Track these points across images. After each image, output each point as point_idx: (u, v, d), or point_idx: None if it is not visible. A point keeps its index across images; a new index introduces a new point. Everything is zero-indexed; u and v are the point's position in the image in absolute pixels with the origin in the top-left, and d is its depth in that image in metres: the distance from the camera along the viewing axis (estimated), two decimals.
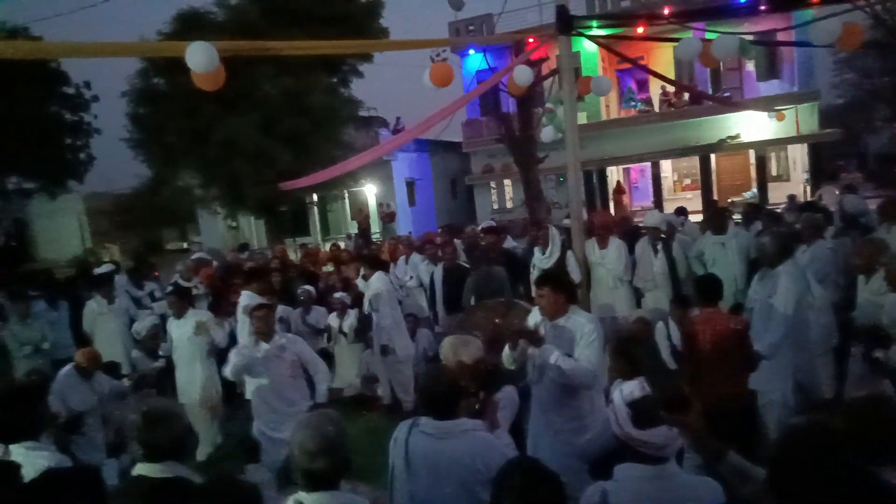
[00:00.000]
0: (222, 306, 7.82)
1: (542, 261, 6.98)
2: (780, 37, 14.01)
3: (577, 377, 3.51)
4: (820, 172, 20.61)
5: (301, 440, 2.15)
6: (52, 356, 6.94)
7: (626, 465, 2.18)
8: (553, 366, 3.49)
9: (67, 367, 5.46)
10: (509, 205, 24.37)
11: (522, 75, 6.85)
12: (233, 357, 4.80)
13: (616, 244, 6.91)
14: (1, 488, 2.40)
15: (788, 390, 4.41)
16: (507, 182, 24.47)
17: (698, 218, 11.49)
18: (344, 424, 2.26)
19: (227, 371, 4.88)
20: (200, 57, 3.97)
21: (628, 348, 2.94)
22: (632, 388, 2.19)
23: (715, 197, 20.01)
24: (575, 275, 6.89)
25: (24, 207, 23.80)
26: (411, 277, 7.95)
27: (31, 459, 2.79)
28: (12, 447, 2.93)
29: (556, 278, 3.93)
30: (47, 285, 8.69)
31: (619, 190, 22.41)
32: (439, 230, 13.61)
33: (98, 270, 7.90)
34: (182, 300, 6.22)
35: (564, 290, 3.78)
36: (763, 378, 4.33)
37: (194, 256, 9.38)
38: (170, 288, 7.60)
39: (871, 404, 2.16)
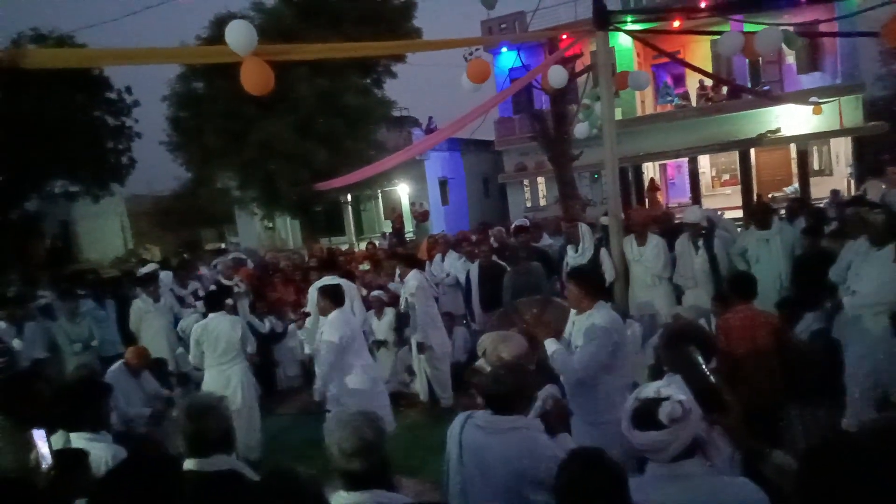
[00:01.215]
0: (262, 303, 8.01)
1: (574, 258, 6.94)
2: (824, 27, 13.66)
3: (565, 373, 3.69)
4: (864, 167, 20.02)
5: (339, 440, 2.15)
6: (99, 353, 7.17)
7: (651, 464, 2.14)
8: (551, 357, 3.67)
9: (117, 365, 5.66)
10: (542, 203, 24.24)
11: (557, 76, 6.84)
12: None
13: (655, 241, 6.82)
14: (73, 473, 2.50)
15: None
16: (540, 180, 24.33)
17: (737, 214, 11.29)
18: (382, 426, 2.27)
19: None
20: (239, 35, 4.04)
21: (678, 343, 2.88)
22: (650, 388, 2.12)
23: (755, 192, 19.60)
24: (609, 273, 6.85)
25: (68, 210, 24.52)
26: (447, 275, 7.98)
27: (90, 449, 2.89)
28: (73, 436, 3.03)
29: (580, 274, 4.04)
30: (94, 284, 8.95)
31: (652, 187, 22.10)
32: (476, 227, 13.62)
33: (143, 270, 8.11)
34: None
35: (588, 285, 3.86)
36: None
37: (231, 256, 9.59)
38: (212, 287, 7.79)
39: None
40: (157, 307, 7.30)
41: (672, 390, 2.08)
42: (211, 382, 5.70)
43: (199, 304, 7.79)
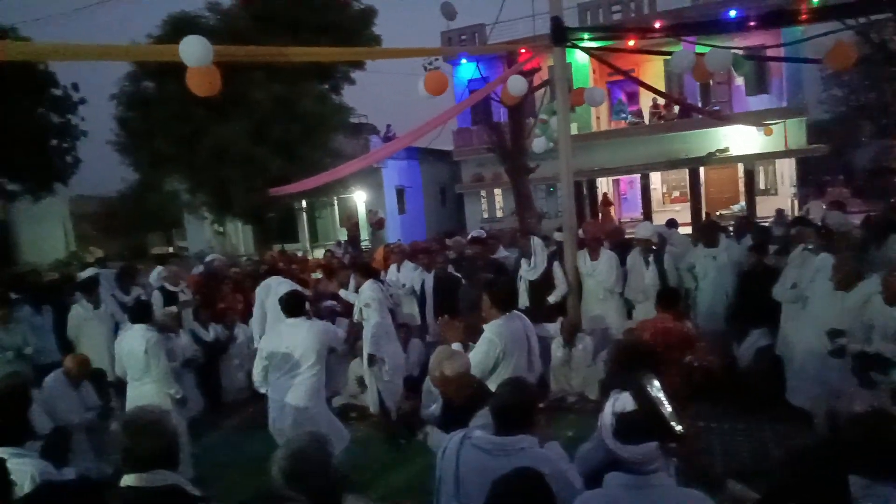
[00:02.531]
0: (208, 312, 7.76)
1: (528, 272, 6.98)
2: (771, 52, 14.19)
3: None
4: (807, 187, 20.83)
5: (281, 464, 2.09)
6: (35, 361, 6.82)
7: (612, 474, 2.15)
8: None
9: (55, 373, 5.36)
10: (499, 214, 24.40)
11: (516, 86, 6.88)
12: None
13: (607, 256, 6.91)
14: None
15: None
16: (497, 191, 24.51)
17: (688, 230, 11.56)
18: (330, 449, 2.20)
19: None
20: (195, 49, 3.92)
21: (627, 358, 2.90)
22: (625, 401, 2.14)
23: (704, 209, 20.16)
24: (561, 287, 6.91)
25: (6, 210, 23.46)
26: (404, 285, 7.90)
27: (12, 465, 2.69)
28: None
29: (492, 285, 4.29)
30: (31, 289, 8.55)
31: (605, 202, 22.52)
32: (433, 237, 13.58)
33: (83, 274, 7.76)
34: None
35: (497, 296, 4.10)
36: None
37: (208, 259, 9.26)
38: (156, 293, 7.52)
39: (871, 421, 2.14)
40: (98, 314, 7.00)
41: None
42: (129, 399, 5.27)
43: None
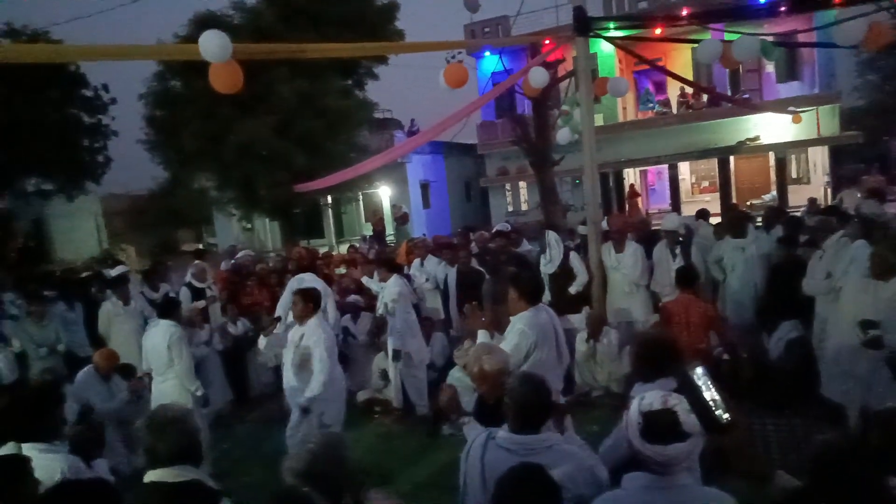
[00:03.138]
0: (235, 307, 7.86)
1: (545, 266, 6.93)
2: (802, 38, 13.82)
3: None
4: (841, 176, 20.30)
5: (294, 464, 2.10)
6: (68, 355, 6.98)
7: (634, 475, 2.10)
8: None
9: (87, 368, 5.51)
10: (524, 207, 24.26)
11: (538, 77, 6.79)
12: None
13: (633, 248, 6.81)
14: (12, 484, 2.38)
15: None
16: (521, 184, 24.37)
17: (718, 221, 11.35)
18: (346, 452, 2.18)
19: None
20: (213, 45, 3.95)
21: (650, 351, 2.84)
22: (652, 399, 2.07)
23: (734, 200, 19.77)
24: (581, 276, 6.84)
25: (42, 208, 24.04)
26: (427, 280, 7.90)
27: (42, 462, 2.76)
28: (24, 446, 2.91)
29: (517, 278, 4.21)
30: (63, 286, 8.72)
31: (632, 194, 22.23)
32: (458, 231, 13.55)
33: (112, 272, 7.91)
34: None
35: (523, 289, 4.02)
36: None
37: (239, 255, 9.41)
38: (183, 289, 7.62)
39: None
40: (127, 310, 7.11)
41: (675, 400, 2.03)
42: (154, 395, 5.37)
43: None
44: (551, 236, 7.01)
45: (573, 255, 6.91)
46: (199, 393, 5.35)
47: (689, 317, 5.25)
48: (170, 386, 5.25)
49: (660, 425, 1.98)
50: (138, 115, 18.49)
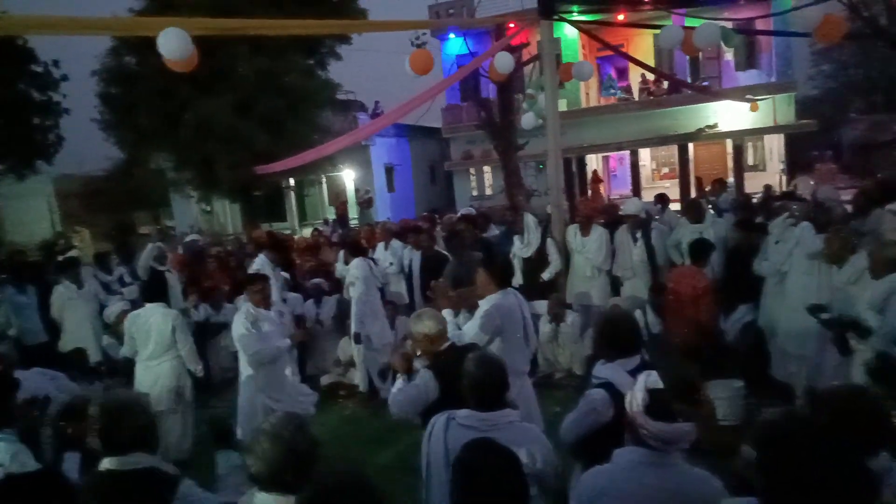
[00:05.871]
0: (195, 291, 7.71)
1: (521, 250, 6.96)
2: (760, 25, 14.07)
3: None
4: (795, 163, 20.84)
5: (263, 448, 2.05)
6: (20, 342, 6.76)
7: (626, 449, 2.15)
8: None
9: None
10: (489, 191, 24.30)
11: (503, 62, 6.79)
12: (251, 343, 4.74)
13: (598, 232, 6.90)
14: None
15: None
16: (486, 169, 24.39)
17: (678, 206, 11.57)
18: (311, 434, 2.15)
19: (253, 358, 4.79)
20: (173, 44, 3.83)
21: (611, 331, 2.91)
22: (656, 377, 2.16)
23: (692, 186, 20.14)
24: (555, 263, 6.90)
25: None
26: (391, 264, 7.87)
27: None
28: None
29: (489, 262, 4.32)
30: (15, 269, 8.42)
31: (595, 179, 22.44)
32: (423, 215, 13.51)
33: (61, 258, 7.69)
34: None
35: (495, 273, 4.10)
36: None
37: (187, 239, 9.25)
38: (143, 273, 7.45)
39: (849, 397, 2.14)
40: (81, 293, 6.94)
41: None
42: (140, 379, 5.32)
43: (126, 290, 7.44)
44: (530, 220, 7.05)
45: (550, 242, 6.96)
46: (201, 374, 5.51)
47: (684, 286, 5.71)
48: (167, 367, 5.29)
49: (664, 402, 2.04)
50: (92, 93, 17.88)
